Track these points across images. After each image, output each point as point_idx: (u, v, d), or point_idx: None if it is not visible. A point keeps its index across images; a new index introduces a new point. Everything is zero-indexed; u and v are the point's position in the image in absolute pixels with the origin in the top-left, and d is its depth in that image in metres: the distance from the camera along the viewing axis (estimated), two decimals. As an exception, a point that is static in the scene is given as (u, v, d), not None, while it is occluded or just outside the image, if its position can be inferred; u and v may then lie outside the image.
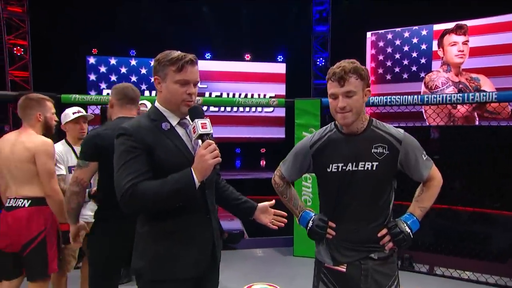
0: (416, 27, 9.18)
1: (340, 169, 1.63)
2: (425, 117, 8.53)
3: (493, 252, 4.34)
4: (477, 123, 8.42)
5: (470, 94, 3.64)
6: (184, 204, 1.50)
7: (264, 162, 11.56)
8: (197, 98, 4.44)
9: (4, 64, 8.76)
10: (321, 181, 1.74)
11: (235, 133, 11.49)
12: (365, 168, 1.61)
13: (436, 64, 8.97)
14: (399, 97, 3.81)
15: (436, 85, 8.94)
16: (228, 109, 11.41)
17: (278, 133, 11.25)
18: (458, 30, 8.70)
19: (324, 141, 1.70)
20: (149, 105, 3.03)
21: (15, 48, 8.91)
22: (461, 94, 3.68)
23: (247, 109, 11.43)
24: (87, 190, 2.28)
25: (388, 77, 9.56)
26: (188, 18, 10.71)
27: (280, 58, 11.82)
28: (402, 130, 1.67)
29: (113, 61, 10.91)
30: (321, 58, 10.94)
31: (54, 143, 2.52)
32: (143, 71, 10.99)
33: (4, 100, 3.51)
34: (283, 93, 11.49)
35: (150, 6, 10.43)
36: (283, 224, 1.79)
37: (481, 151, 6.19)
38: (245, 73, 11.67)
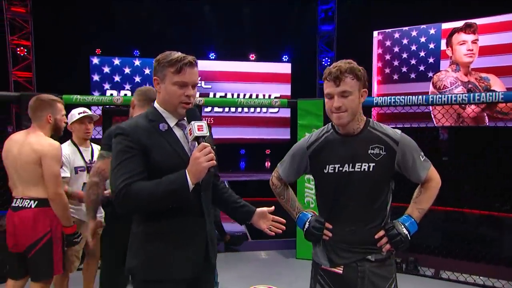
0: (424, 26, 9.15)
1: (336, 170, 1.65)
2: (433, 118, 8.53)
3: (500, 255, 4.31)
4: (487, 123, 8.36)
5: (476, 94, 3.63)
6: (178, 206, 1.52)
7: (269, 164, 11.56)
8: (199, 98, 4.51)
9: (8, 64, 8.86)
10: (318, 182, 1.75)
11: (239, 134, 11.51)
12: (362, 169, 1.62)
13: (444, 64, 8.93)
14: (403, 97, 3.81)
15: (444, 85, 8.90)
16: (233, 109, 11.45)
17: (284, 134, 11.26)
18: (467, 28, 8.65)
19: (321, 142, 1.72)
20: None
21: (18, 49, 9.01)
22: (466, 94, 3.67)
23: (252, 109, 11.45)
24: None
25: (395, 77, 9.53)
26: (192, 18, 10.77)
27: (285, 58, 11.84)
28: (399, 131, 1.68)
29: (116, 61, 10.99)
30: (326, 58, 10.95)
31: (60, 143, 2.58)
32: (147, 71, 11.07)
33: (5, 100, 3.56)
34: (289, 93, 11.50)
35: (154, 6, 10.50)
36: (280, 231, 1.80)
37: (490, 153, 6.15)
38: (250, 73, 11.69)
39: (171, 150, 1.54)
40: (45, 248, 2.39)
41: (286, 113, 11.06)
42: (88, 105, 4.07)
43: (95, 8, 9.73)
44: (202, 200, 1.60)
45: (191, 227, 1.58)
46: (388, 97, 3.91)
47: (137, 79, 11.02)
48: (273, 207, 1.83)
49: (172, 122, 1.60)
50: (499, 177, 5.95)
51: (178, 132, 1.60)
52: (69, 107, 3.01)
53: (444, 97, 3.71)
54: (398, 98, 3.84)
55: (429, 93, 8.82)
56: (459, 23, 8.70)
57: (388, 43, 9.61)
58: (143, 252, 1.56)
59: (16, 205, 2.40)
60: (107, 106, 4.02)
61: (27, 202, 2.38)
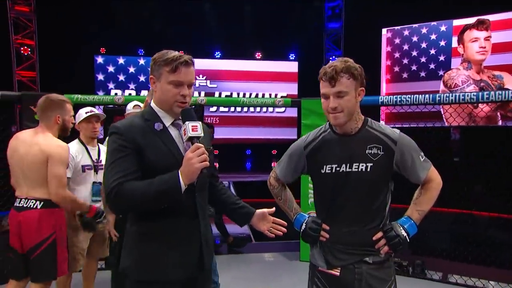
0: (435, 23, 9.07)
1: (334, 170, 1.65)
2: (444, 117, 8.45)
3: (511, 259, 4.26)
4: (500, 123, 8.27)
5: (485, 93, 3.59)
6: (171, 206, 1.53)
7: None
8: (202, 98, 4.53)
9: (11, 64, 8.97)
10: (315, 182, 1.76)
11: (245, 134, 11.52)
12: (359, 169, 1.62)
13: (455, 62, 8.84)
14: (409, 96, 3.79)
15: (455, 83, 8.82)
16: (239, 109, 11.47)
17: (290, 134, 11.22)
18: (479, 25, 8.56)
19: (318, 142, 1.73)
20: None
21: (22, 48, 9.10)
22: (475, 93, 3.64)
23: (258, 109, 11.46)
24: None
25: (405, 75, 9.46)
26: (197, 16, 10.80)
27: (292, 56, 11.81)
28: (397, 130, 1.68)
29: (121, 60, 11.06)
30: (334, 56, 10.90)
31: (67, 142, 2.64)
32: (152, 70, 11.12)
33: (7, 100, 3.62)
34: (295, 92, 11.47)
35: (158, 4, 10.55)
36: (281, 233, 1.80)
37: (503, 153, 6.07)
38: (256, 72, 11.68)
39: (166, 150, 1.56)
40: (50, 249, 2.42)
41: (293, 112, 11.03)
42: (88, 105, 4.11)
43: (100, 7, 9.80)
44: (196, 201, 1.62)
45: (185, 228, 1.59)
46: (394, 96, 3.90)
47: (142, 78, 11.07)
48: (273, 209, 1.83)
49: (167, 121, 1.61)
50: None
51: (173, 132, 1.62)
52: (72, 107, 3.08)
53: (452, 96, 3.69)
54: (404, 97, 3.82)
55: (440, 92, 8.75)
56: (471, 20, 8.60)
57: (397, 40, 9.55)
58: (136, 252, 1.58)
59: (20, 205, 2.42)
60: (108, 106, 4.05)
61: (32, 202, 2.41)
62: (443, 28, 9.00)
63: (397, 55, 9.55)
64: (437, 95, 3.73)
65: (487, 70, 8.51)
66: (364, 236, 1.64)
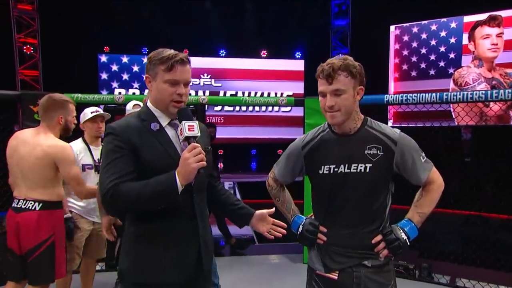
0: (445, 19, 8.99)
1: (332, 171, 1.64)
2: (454, 117, 8.37)
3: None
4: (512, 122, 8.19)
5: (494, 91, 3.55)
6: (168, 207, 1.52)
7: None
8: (203, 97, 4.53)
9: (14, 63, 9.04)
10: (313, 183, 1.75)
11: (251, 134, 11.52)
12: (358, 170, 1.60)
13: (466, 59, 8.75)
14: (415, 95, 3.76)
15: (466, 81, 8.73)
16: (244, 108, 11.47)
17: (296, 133, 11.15)
18: (491, 21, 8.46)
19: (316, 142, 1.71)
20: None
21: (25, 47, 9.17)
22: (484, 92, 3.60)
23: (263, 108, 11.44)
24: None
25: (413, 73, 9.39)
26: (202, 14, 10.82)
27: (298, 54, 11.79)
28: (398, 130, 1.66)
29: (125, 59, 11.11)
30: (340, 54, 10.83)
31: (69, 142, 2.68)
32: (155, 69, 11.16)
33: (6, 99, 3.65)
34: (302, 91, 11.45)
35: (162, 3, 10.58)
36: (280, 235, 1.78)
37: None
38: (261, 71, 11.68)
39: (162, 150, 1.56)
40: (48, 251, 2.42)
41: (299, 112, 10.91)
42: (89, 104, 4.13)
43: (103, 5, 9.86)
44: (194, 202, 1.61)
45: (183, 229, 1.59)
46: (400, 95, 3.86)
47: (145, 77, 11.14)
48: (273, 209, 1.82)
49: (164, 121, 1.61)
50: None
51: (170, 131, 1.61)
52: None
53: (459, 95, 3.64)
54: (410, 96, 3.78)
55: (450, 91, 8.67)
56: (483, 16, 8.50)
57: (406, 38, 9.47)
58: (133, 254, 1.58)
59: (19, 206, 2.42)
60: (109, 105, 4.07)
61: (31, 204, 2.41)
62: (453, 24, 8.91)
63: (405, 52, 9.48)
64: (444, 93, 3.68)
65: (499, 67, 8.41)
66: (363, 238, 1.62)
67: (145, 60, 10.97)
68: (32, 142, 2.44)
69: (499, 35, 8.36)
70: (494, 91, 3.55)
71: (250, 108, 11.44)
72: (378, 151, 1.61)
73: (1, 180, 3.45)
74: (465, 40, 8.73)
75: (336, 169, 1.63)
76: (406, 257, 3.83)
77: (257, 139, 11.52)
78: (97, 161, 2.95)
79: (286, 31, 11.07)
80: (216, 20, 10.96)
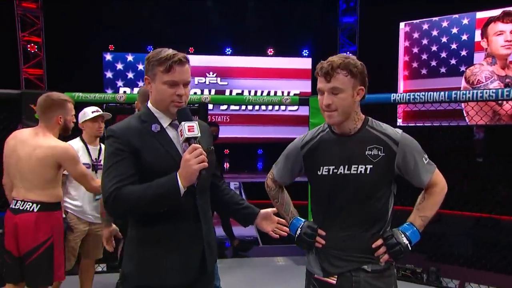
0: (456, 16, 8.87)
1: (331, 172, 1.62)
2: (465, 116, 8.28)
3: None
4: (526, 121, 8.06)
5: (505, 89, 3.49)
6: (171, 209, 1.53)
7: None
8: (205, 96, 4.52)
9: (18, 61, 9.12)
10: (312, 184, 1.73)
11: (257, 133, 11.50)
12: (358, 171, 1.58)
13: (479, 57, 8.63)
14: (423, 93, 3.71)
15: (478, 79, 8.62)
16: (250, 107, 11.45)
17: (303, 133, 10.93)
18: (505, 17, 8.33)
19: (315, 142, 1.70)
20: None
21: (29, 45, 9.25)
22: (494, 90, 3.54)
23: (270, 107, 11.42)
24: None
25: (424, 71, 9.29)
26: (207, 12, 10.82)
27: (305, 52, 11.73)
28: (400, 130, 1.64)
29: (130, 57, 11.15)
30: (348, 52, 10.78)
31: (67, 141, 2.67)
32: (161, 67, 11.18)
33: (7, 98, 3.68)
34: (309, 90, 11.39)
35: (168, 0, 10.61)
36: (285, 234, 1.79)
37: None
38: (268, 69, 11.64)
39: (164, 152, 1.56)
40: (46, 254, 2.42)
41: (306, 111, 10.92)
42: (90, 103, 4.14)
43: (108, 3, 9.89)
44: (197, 204, 1.62)
45: (186, 231, 1.60)
46: (407, 94, 3.82)
47: (151, 75, 11.16)
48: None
49: (165, 122, 1.62)
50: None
51: (171, 133, 1.62)
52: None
53: (469, 94, 3.59)
54: (418, 95, 3.74)
55: (461, 89, 8.57)
56: (496, 12, 8.37)
57: (416, 35, 9.37)
58: (136, 257, 1.60)
59: (17, 207, 2.42)
60: (109, 104, 4.09)
61: (28, 205, 2.41)
62: (465, 21, 8.79)
63: (415, 50, 9.38)
64: (453, 92, 3.64)
65: (513, 65, 8.30)
66: (362, 242, 1.60)
67: (149, 58, 11.11)
68: (31, 143, 2.43)
69: (513, 32, 8.25)
70: (505, 90, 3.49)
71: (256, 107, 11.42)
72: (379, 152, 1.58)
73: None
74: (477, 37, 8.60)
75: (335, 170, 1.61)
76: (414, 260, 3.80)
77: (264, 138, 11.49)
78: (94, 160, 2.96)
79: (293, 28, 11.00)
80: (222, 18, 10.93)
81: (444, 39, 9.03)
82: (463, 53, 8.81)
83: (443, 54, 9.05)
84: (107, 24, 9.94)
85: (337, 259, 1.62)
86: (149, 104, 1.65)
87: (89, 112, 2.97)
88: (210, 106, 10.84)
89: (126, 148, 1.52)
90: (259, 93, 11.41)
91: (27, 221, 2.39)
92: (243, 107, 11.47)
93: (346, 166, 1.60)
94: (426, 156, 1.64)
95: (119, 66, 11.11)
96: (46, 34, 9.39)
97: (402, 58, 9.52)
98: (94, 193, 2.75)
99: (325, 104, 1.57)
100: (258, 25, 10.94)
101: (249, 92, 11.45)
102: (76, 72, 9.07)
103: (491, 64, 8.48)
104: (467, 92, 3.62)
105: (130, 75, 11.15)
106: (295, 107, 11.01)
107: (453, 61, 8.94)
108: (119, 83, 11.10)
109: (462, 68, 8.79)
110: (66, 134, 2.64)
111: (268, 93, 11.46)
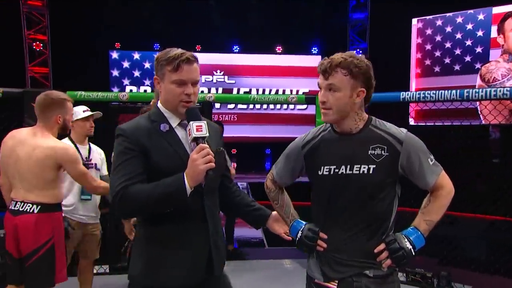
0: (472, 11, 8.77)
1: (332, 172, 1.59)
2: (480, 115, 8.16)
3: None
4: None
5: (520, 87, 3.41)
6: (178, 210, 1.54)
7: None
8: (209, 94, 4.52)
9: (24, 60, 9.22)
10: (312, 185, 1.70)
11: (265, 132, 11.48)
12: (361, 172, 1.55)
13: (495, 53, 8.52)
14: (434, 92, 3.65)
15: (494, 77, 8.50)
16: (258, 106, 11.44)
17: (313, 132, 11.08)
18: (523, 12, 8.23)
19: (317, 141, 1.67)
20: None
21: (34, 44, 9.34)
22: (508, 89, 3.46)
23: (278, 106, 11.40)
24: None
25: (437, 69, 9.20)
26: (214, 9, 10.82)
27: (314, 50, 11.67)
28: (404, 130, 1.60)
29: (136, 55, 11.20)
30: (358, 49, 10.70)
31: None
32: (168, 65, 11.21)
33: (9, 97, 3.71)
34: (318, 88, 11.34)
35: (174, -3, 10.64)
36: None
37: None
38: (276, 67, 11.61)
39: (172, 151, 1.59)
40: (47, 255, 2.41)
41: (315, 109, 10.91)
42: (93, 102, 4.15)
43: (114, 0, 9.96)
44: (205, 204, 1.63)
45: (193, 232, 1.61)
46: (417, 92, 3.77)
47: (157, 74, 11.19)
48: None
49: (174, 122, 1.64)
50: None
51: (180, 132, 1.64)
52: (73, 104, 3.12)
53: (482, 92, 3.52)
54: (428, 93, 3.68)
55: (476, 87, 8.45)
56: (513, 7, 8.27)
57: (429, 31, 9.28)
58: (144, 256, 1.62)
59: (16, 208, 2.41)
60: (112, 103, 4.10)
61: (28, 206, 2.40)
62: (481, 16, 8.68)
63: (428, 47, 9.29)
64: (465, 90, 3.57)
65: (530, 62, 8.17)
66: (364, 246, 1.56)
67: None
68: (31, 142, 2.42)
69: (531, 28, 8.13)
70: (520, 88, 3.41)
71: (264, 105, 11.40)
72: (383, 152, 1.55)
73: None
74: (493, 33, 8.50)
75: (336, 170, 1.58)
76: (424, 264, 3.75)
77: (272, 138, 11.46)
78: (85, 159, 2.95)
79: (302, 25, 10.95)
80: (229, 15, 10.94)
81: (458, 36, 8.93)
82: (479, 49, 8.71)
83: (458, 51, 8.95)
84: (113, 22, 10.00)
85: (338, 264, 1.59)
86: (159, 104, 1.67)
87: (80, 111, 2.96)
88: (217, 105, 10.88)
89: (135, 147, 1.54)
90: (267, 92, 11.38)
91: (27, 222, 2.38)
92: (251, 106, 11.45)
93: (348, 166, 1.57)
94: (432, 157, 1.60)
95: (126, 64, 11.16)
96: (51, 32, 9.48)
97: (414, 55, 9.44)
98: (94, 193, 2.76)
99: (320, 101, 1.56)
100: (266, 22, 10.92)
101: (257, 90, 11.43)
102: (82, 70, 9.14)
103: (508, 61, 8.36)
104: (480, 90, 3.55)
105: (137, 73, 11.20)
106: (304, 106, 10.96)
107: (467, 58, 8.84)
108: (126, 82, 11.16)
109: (477, 66, 8.69)
110: (64, 133, 2.65)
111: (277, 92, 11.43)
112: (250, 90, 11.48)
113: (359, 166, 1.55)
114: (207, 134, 1.54)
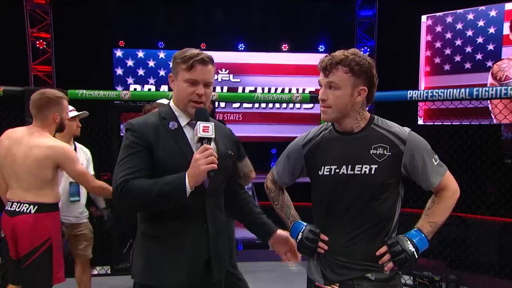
0: (483, 7, 8.68)
1: (333, 172, 1.58)
2: (492, 114, 8.06)
3: None
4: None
5: (531, 86, 3.37)
6: (178, 209, 1.55)
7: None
8: (213, 93, 4.50)
9: (27, 58, 9.28)
10: (313, 185, 1.69)
11: (270, 132, 11.46)
12: (362, 172, 1.53)
13: (507, 51, 8.43)
14: (442, 90, 3.60)
15: (506, 75, 8.41)
16: (263, 105, 11.42)
17: (319, 132, 11.05)
18: (536, 9, 8.13)
19: (317, 141, 1.66)
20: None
21: (38, 42, 9.40)
22: (519, 86, 3.41)
23: (284, 105, 11.37)
24: None
25: (447, 67, 9.12)
26: (219, 7, 10.82)
27: (321, 48, 11.61)
28: (407, 129, 1.58)
29: (140, 54, 11.21)
30: (366, 47, 10.65)
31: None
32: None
33: (9, 95, 3.73)
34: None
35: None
36: (298, 260, 1.82)
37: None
38: (282, 65, 11.57)
39: (177, 150, 1.61)
40: (44, 256, 2.41)
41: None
42: (95, 101, 4.14)
43: (118, -1, 10.01)
44: (206, 206, 1.63)
45: (192, 234, 1.62)
46: (425, 91, 3.73)
47: (162, 72, 11.18)
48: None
49: (183, 121, 1.67)
50: None
51: (188, 132, 1.66)
52: (74, 103, 3.13)
53: (492, 90, 3.47)
54: (436, 92, 3.64)
55: (488, 85, 8.36)
56: (527, 3, 8.18)
57: (438, 28, 9.20)
58: (142, 255, 1.64)
59: (13, 209, 2.41)
60: (113, 102, 4.10)
61: (25, 206, 2.40)
62: (493, 13, 8.59)
63: (438, 44, 9.21)
64: (475, 89, 3.52)
65: (544, 60, 8.07)
66: (366, 248, 1.55)
67: (161, 54, 11.17)
68: (28, 142, 2.42)
69: (544, 24, 8.03)
70: (531, 86, 3.37)
71: (270, 104, 11.37)
72: (385, 151, 1.53)
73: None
74: (506, 29, 8.41)
75: (337, 170, 1.57)
76: (432, 267, 3.71)
77: (278, 137, 11.44)
78: None
79: (308, 23, 10.92)
80: (234, 13, 10.92)
81: (469, 33, 8.84)
82: (490, 47, 8.62)
83: (468, 49, 8.86)
84: (117, 20, 10.04)
85: (339, 266, 1.57)
86: (171, 103, 1.71)
87: None
88: (222, 104, 10.87)
89: (142, 142, 1.57)
90: (273, 90, 11.35)
91: (25, 223, 2.38)
92: (256, 105, 11.42)
93: (350, 166, 1.55)
94: (436, 157, 1.57)
95: (130, 62, 11.18)
96: (55, 30, 9.53)
97: (423, 53, 9.37)
98: (94, 193, 2.75)
99: (320, 99, 1.55)
100: (272, 19, 10.89)
101: (263, 89, 11.40)
102: (85, 69, 9.18)
103: (521, 59, 8.28)
104: (490, 88, 3.50)
105: (141, 72, 11.22)
106: (310, 105, 10.92)
107: (479, 56, 8.75)
108: (130, 80, 11.18)
109: (489, 64, 8.60)
110: (61, 132, 2.65)
111: (282, 90, 11.39)
112: (256, 88, 11.45)
113: (360, 166, 1.54)
114: (213, 136, 1.56)
